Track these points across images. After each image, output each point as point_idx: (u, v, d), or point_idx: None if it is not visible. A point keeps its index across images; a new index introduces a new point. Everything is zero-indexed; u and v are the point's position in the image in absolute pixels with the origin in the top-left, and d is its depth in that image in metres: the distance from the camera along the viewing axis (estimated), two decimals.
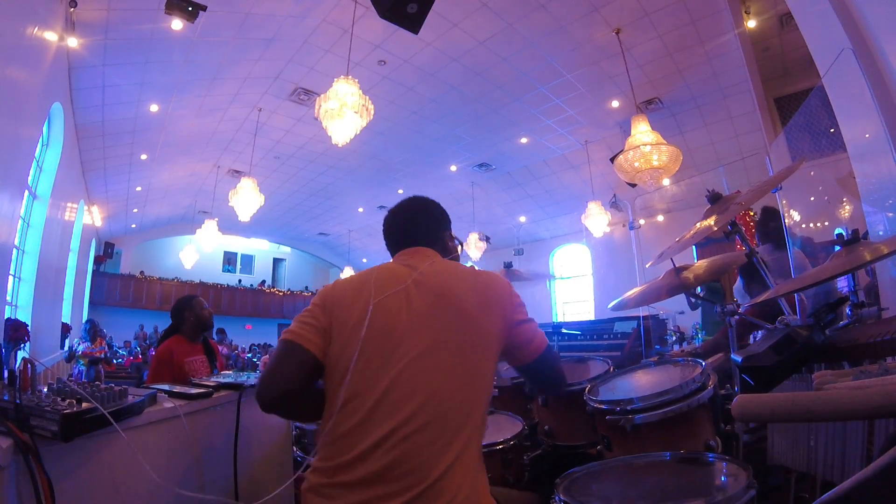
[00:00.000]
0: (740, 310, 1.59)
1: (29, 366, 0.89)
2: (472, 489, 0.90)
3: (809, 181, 3.03)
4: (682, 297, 1.75)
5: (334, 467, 0.91)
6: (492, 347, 1.01)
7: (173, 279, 13.39)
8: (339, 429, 0.94)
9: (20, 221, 4.52)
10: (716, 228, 1.60)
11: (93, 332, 6.81)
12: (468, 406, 0.94)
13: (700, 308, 5.16)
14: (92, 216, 9.20)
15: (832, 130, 2.37)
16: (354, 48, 5.10)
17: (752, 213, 6.74)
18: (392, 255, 1.25)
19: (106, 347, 7.02)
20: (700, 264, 1.86)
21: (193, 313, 2.74)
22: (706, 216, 1.77)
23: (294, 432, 1.92)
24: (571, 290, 12.07)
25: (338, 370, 0.99)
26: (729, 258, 1.92)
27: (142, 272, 13.03)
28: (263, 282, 15.76)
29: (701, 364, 1.39)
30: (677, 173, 5.67)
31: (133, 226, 12.18)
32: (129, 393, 1.01)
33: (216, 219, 8.97)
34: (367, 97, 4.44)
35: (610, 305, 2.01)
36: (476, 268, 1.20)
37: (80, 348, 6.54)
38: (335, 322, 1.03)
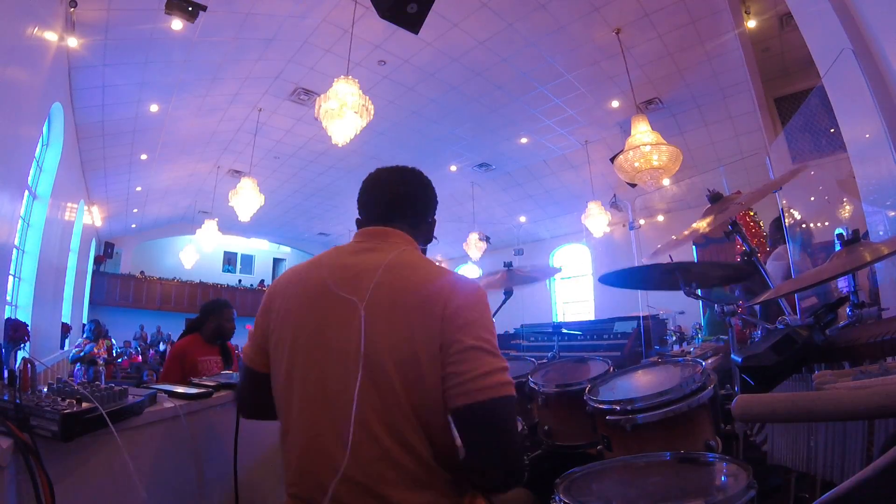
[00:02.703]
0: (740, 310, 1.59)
1: (29, 366, 0.89)
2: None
3: (809, 181, 3.04)
4: (682, 298, 1.75)
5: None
6: (434, 373, 0.80)
7: (173, 279, 13.39)
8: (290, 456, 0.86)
9: (20, 221, 4.52)
10: (708, 229, 1.60)
11: (97, 332, 6.81)
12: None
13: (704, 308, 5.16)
14: (92, 216, 9.21)
15: (832, 130, 2.37)
16: (354, 48, 5.11)
17: (752, 213, 6.74)
18: (358, 226, 1.03)
19: (106, 349, 7.00)
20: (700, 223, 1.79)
21: (218, 321, 2.79)
22: (706, 216, 1.77)
23: None
24: (571, 290, 12.07)
25: (277, 386, 0.91)
26: (733, 210, 1.83)
27: (142, 272, 13.03)
28: (262, 282, 15.77)
29: (701, 364, 1.39)
30: (677, 173, 5.67)
31: (133, 226, 12.18)
32: (129, 393, 1.01)
33: (216, 219, 8.98)
34: (367, 97, 4.44)
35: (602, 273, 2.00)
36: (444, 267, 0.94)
37: (87, 348, 6.51)
38: (272, 332, 0.92)
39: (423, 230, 1.06)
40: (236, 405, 1.07)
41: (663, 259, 1.82)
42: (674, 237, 1.85)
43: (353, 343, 0.82)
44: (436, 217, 1.13)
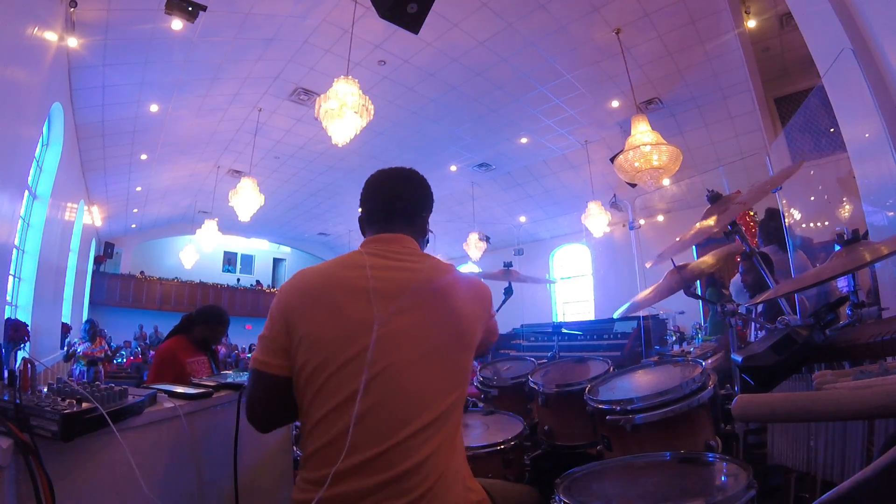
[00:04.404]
0: (739, 309, 1.59)
1: (29, 366, 0.89)
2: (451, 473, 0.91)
3: (809, 181, 3.04)
4: (682, 298, 1.75)
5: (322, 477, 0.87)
6: (473, 348, 1.02)
7: (173, 279, 13.39)
8: (320, 442, 0.90)
9: (20, 221, 4.52)
10: (716, 230, 1.60)
11: (92, 331, 6.81)
12: (446, 402, 0.93)
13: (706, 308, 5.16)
14: (92, 216, 9.20)
15: (832, 130, 2.37)
16: (354, 48, 5.11)
17: (752, 213, 6.74)
18: (364, 234, 1.13)
19: (106, 347, 7.01)
20: (704, 259, 1.86)
21: (209, 332, 2.73)
22: (706, 216, 1.77)
23: (294, 432, 1.92)
24: (571, 290, 12.07)
25: (312, 386, 0.93)
26: (732, 247, 1.92)
27: (142, 272, 13.03)
28: (258, 282, 15.77)
29: (701, 364, 1.39)
30: (677, 173, 5.67)
31: (133, 226, 12.18)
32: (129, 393, 1.01)
33: (216, 219, 8.98)
34: (367, 97, 4.44)
35: (616, 314, 2.02)
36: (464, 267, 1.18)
37: (81, 348, 6.53)
38: (303, 339, 0.94)
39: (419, 226, 1.14)
40: (248, 417, 1.01)
41: (665, 262, 1.82)
42: (678, 239, 1.85)
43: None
44: (435, 217, 1.21)
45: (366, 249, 1.06)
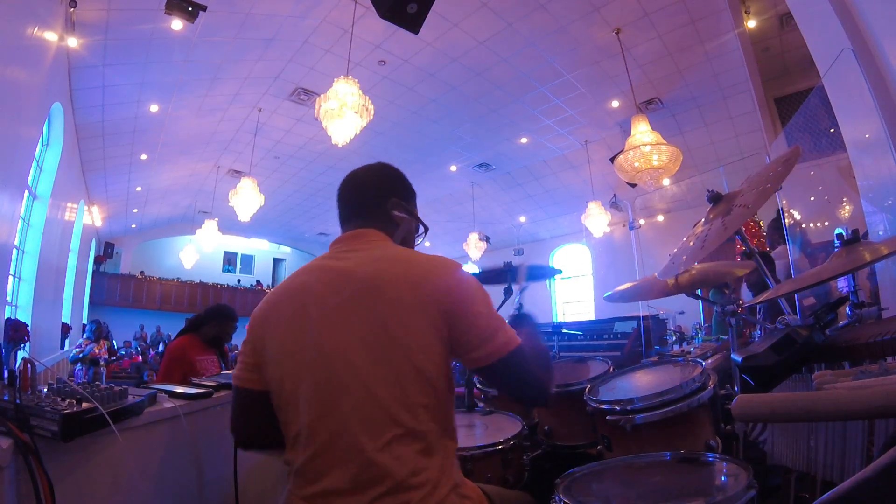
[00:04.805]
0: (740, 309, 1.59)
1: (29, 366, 0.89)
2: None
3: (809, 181, 3.04)
4: (682, 298, 1.75)
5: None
6: (432, 348, 0.84)
7: (173, 279, 13.39)
8: (298, 460, 0.86)
9: (20, 221, 4.52)
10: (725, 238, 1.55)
11: (98, 332, 6.80)
12: (413, 413, 0.82)
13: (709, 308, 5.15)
14: (92, 216, 9.21)
15: (832, 130, 2.37)
16: (354, 48, 5.11)
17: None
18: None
19: (106, 350, 6.98)
20: (698, 268, 1.84)
21: (219, 329, 2.76)
22: (707, 216, 1.76)
23: None
24: (571, 290, 12.07)
25: (282, 401, 0.90)
26: (726, 266, 1.88)
27: (142, 272, 13.03)
28: (259, 282, 15.76)
29: (701, 364, 1.39)
30: (677, 173, 5.67)
31: (133, 226, 12.18)
32: (129, 393, 1.01)
33: (216, 219, 8.98)
34: (367, 97, 4.44)
35: (606, 295, 2.01)
36: (426, 253, 0.95)
37: (88, 348, 6.49)
38: (267, 355, 0.91)
39: (381, 215, 1.04)
40: (230, 430, 0.99)
41: (663, 260, 1.81)
42: (687, 241, 1.81)
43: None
44: (435, 217, 1.14)
45: (324, 254, 1.02)
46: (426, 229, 1.12)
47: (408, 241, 1.08)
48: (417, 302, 0.84)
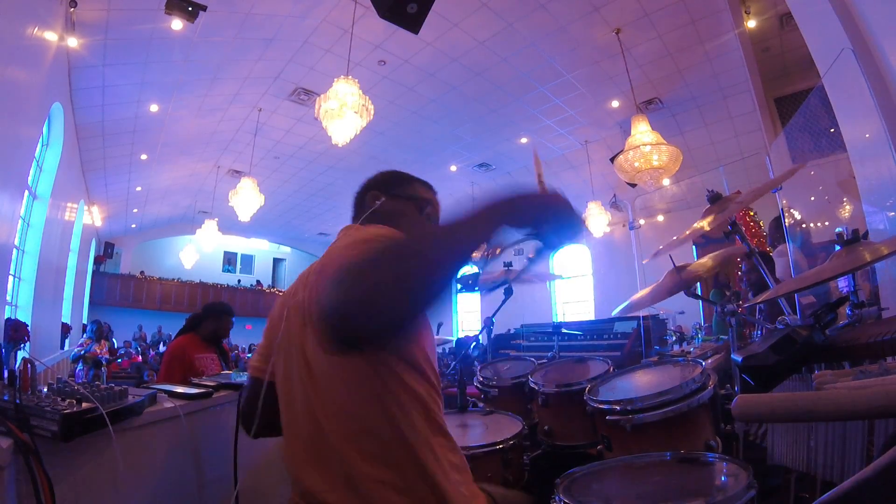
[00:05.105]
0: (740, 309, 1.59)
1: (29, 366, 0.89)
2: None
3: (809, 181, 3.04)
4: (682, 298, 1.75)
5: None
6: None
7: (173, 279, 13.39)
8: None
9: (20, 221, 4.52)
10: (709, 228, 1.61)
11: (99, 332, 6.80)
12: (374, 414, 0.78)
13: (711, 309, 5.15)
14: (92, 216, 9.20)
15: (832, 130, 2.37)
16: (354, 48, 5.11)
17: (752, 213, 6.73)
18: None
19: (107, 350, 6.98)
20: (702, 261, 1.87)
21: (217, 324, 2.81)
22: (706, 216, 1.77)
23: None
24: (571, 290, 12.06)
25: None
26: (731, 251, 1.93)
27: (142, 272, 13.02)
28: (259, 282, 15.77)
29: (701, 364, 1.39)
30: (677, 173, 5.67)
31: (133, 226, 12.17)
32: (129, 393, 1.01)
33: (216, 219, 8.98)
34: (367, 97, 4.44)
35: (615, 312, 2.03)
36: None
37: (89, 347, 6.49)
38: (273, 347, 0.96)
39: (362, 213, 1.05)
40: (245, 429, 1.02)
41: (665, 260, 1.82)
42: (675, 238, 1.86)
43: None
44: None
45: None
46: (426, 203, 1.07)
47: (393, 220, 0.99)
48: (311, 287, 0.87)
